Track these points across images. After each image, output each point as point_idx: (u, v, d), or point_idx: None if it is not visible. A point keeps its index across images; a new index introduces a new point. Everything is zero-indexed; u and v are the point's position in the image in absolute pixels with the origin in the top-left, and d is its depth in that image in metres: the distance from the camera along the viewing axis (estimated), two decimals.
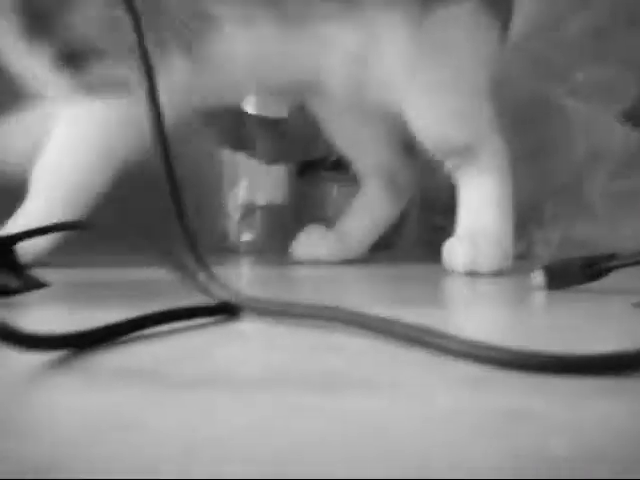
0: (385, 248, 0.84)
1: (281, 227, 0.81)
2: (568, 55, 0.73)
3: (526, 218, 0.72)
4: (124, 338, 0.24)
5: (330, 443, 0.14)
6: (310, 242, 0.61)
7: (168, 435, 0.14)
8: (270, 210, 0.79)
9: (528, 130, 0.72)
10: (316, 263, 0.59)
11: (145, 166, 0.61)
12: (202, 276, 0.28)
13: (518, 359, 0.19)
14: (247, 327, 0.27)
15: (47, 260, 0.54)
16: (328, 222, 0.67)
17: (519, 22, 0.71)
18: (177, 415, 0.15)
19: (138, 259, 0.54)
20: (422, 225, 0.82)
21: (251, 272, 0.53)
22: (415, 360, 0.21)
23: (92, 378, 0.19)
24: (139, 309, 0.27)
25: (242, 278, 0.48)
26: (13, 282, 0.35)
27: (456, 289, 0.43)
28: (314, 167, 0.82)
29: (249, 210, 0.79)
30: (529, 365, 0.19)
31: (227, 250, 0.77)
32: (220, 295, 0.28)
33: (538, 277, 0.41)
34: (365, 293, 0.39)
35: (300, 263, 0.59)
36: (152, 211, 0.69)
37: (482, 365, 0.20)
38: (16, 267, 0.35)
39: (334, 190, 0.81)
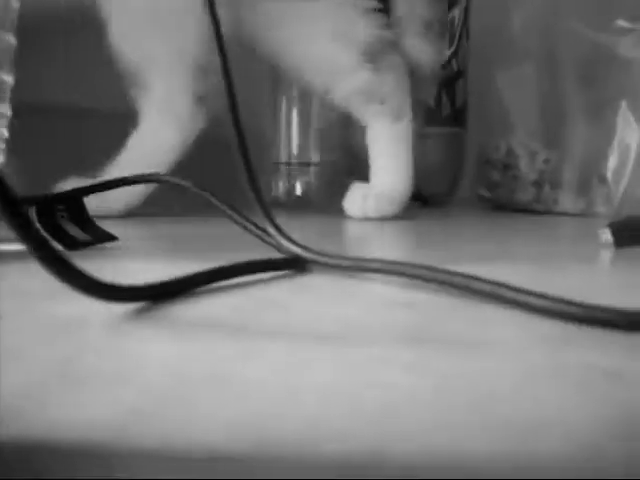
0: (440, 205, 0.83)
1: (335, 182, 0.80)
2: (633, 5, 0.70)
3: (588, 175, 0.70)
4: (198, 290, 0.24)
5: (423, 398, 0.14)
6: (356, 200, 0.61)
7: (260, 385, 0.14)
8: (324, 166, 0.79)
9: (592, 85, 0.70)
10: (367, 220, 0.59)
11: (213, 125, 0.61)
12: (271, 231, 0.28)
13: (605, 317, 0.19)
14: (319, 281, 0.27)
15: (135, 212, 0.55)
16: None
17: None
18: (265, 365, 0.15)
19: (206, 214, 0.55)
20: (478, 181, 0.81)
21: (308, 227, 0.53)
22: (495, 317, 0.21)
23: (174, 328, 0.19)
24: (207, 263, 0.27)
25: (301, 233, 0.48)
26: (82, 235, 0.35)
27: (521, 247, 0.42)
28: None
29: (303, 166, 0.79)
30: (615, 323, 0.19)
31: (279, 205, 0.78)
32: (289, 249, 0.28)
33: (606, 234, 0.40)
34: (426, 249, 0.38)
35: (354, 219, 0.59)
36: (219, 167, 0.69)
37: (567, 322, 0.19)
38: (85, 220, 0.36)
39: None
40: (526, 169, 0.76)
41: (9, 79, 0.38)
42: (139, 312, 0.21)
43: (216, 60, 0.57)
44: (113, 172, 0.54)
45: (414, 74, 0.62)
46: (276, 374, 0.15)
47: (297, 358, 0.16)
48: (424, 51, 0.62)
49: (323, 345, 0.17)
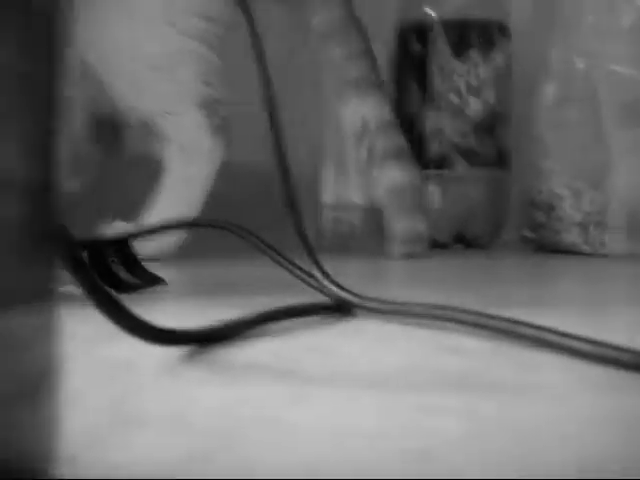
0: (484, 247, 0.82)
1: (378, 225, 0.81)
2: None
3: (636, 215, 0.69)
4: (246, 333, 0.24)
5: (466, 444, 0.14)
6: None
7: (307, 428, 0.14)
8: (367, 208, 0.79)
9: (636, 124, 0.70)
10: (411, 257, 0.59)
11: (259, 167, 0.62)
12: (318, 275, 0.28)
13: None
14: (364, 325, 0.27)
15: (171, 256, 0.56)
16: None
17: (629, 13, 0.69)
18: (311, 409, 0.16)
19: (252, 258, 0.56)
20: (522, 223, 0.80)
21: (353, 270, 0.54)
22: (542, 362, 0.21)
23: (223, 372, 0.19)
24: (253, 306, 0.27)
25: (346, 276, 0.48)
26: (132, 278, 0.36)
27: (568, 289, 0.41)
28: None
29: (346, 209, 0.80)
30: None
31: (323, 247, 0.78)
32: (335, 293, 0.28)
33: None
34: (470, 292, 0.38)
35: (396, 260, 0.59)
36: (265, 210, 0.70)
37: (615, 368, 0.19)
38: (134, 264, 0.36)
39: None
40: (571, 210, 0.76)
41: None
42: (190, 355, 0.21)
43: (224, 91, 0.60)
44: (150, 216, 0.56)
45: None
46: (322, 418, 0.15)
47: (343, 403, 0.16)
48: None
49: (369, 390, 0.17)
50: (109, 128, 0.61)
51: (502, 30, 0.81)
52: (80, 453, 0.13)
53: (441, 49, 0.80)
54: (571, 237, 0.75)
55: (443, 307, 0.24)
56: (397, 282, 0.46)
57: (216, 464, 0.12)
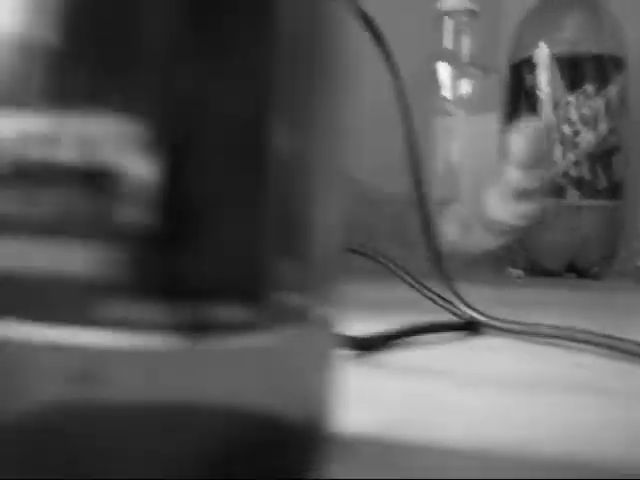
0: (596, 277, 0.83)
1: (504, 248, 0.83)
2: None
3: None
4: (393, 343, 0.29)
5: (607, 429, 0.17)
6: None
7: (459, 431, 0.18)
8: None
9: None
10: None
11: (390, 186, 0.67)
12: (449, 295, 0.32)
13: None
14: (491, 342, 0.30)
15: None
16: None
17: None
18: (458, 412, 0.20)
19: (385, 280, 0.60)
20: (636, 253, 0.81)
21: (475, 292, 0.57)
22: None
23: (384, 372, 0.24)
24: (392, 322, 0.31)
25: (473, 296, 0.51)
26: None
27: None
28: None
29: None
30: None
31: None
32: (465, 313, 0.32)
33: None
34: (582, 318, 0.41)
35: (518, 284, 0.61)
36: (400, 235, 0.74)
37: None
38: None
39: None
40: None
41: None
42: (354, 358, 0.26)
43: None
44: None
45: None
46: (470, 421, 0.19)
47: (485, 397, 0.20)
48: None
49: (499, 391, 0.21)
50: None
51: (617, 63, 0.82)
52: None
53: (555, 83, 0.82)
54: None
55: (566, 328, 0.28)
56: (514, 305, 0.49)
57: (404, 432, 0.16)
